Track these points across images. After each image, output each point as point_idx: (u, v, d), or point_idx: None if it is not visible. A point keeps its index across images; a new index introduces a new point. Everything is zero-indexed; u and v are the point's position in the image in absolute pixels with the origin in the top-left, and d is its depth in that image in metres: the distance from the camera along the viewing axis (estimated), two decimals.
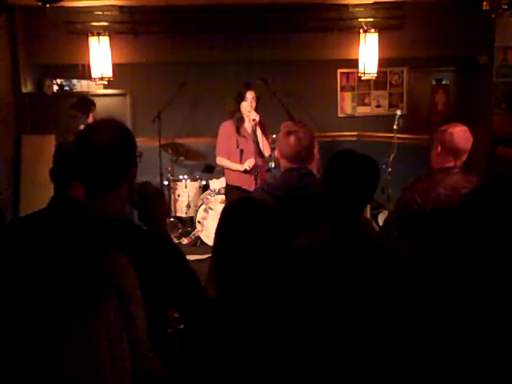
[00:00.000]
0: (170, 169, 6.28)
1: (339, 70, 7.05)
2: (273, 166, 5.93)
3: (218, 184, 6.21)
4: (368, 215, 5.04)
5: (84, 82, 7.09)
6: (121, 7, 6.32)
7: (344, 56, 6.81)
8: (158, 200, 1.89)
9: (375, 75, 6.55)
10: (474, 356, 1.76)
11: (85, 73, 6.34)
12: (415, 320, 1.91)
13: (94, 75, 6.14)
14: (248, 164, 4.67)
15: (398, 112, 5.59)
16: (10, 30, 6.07)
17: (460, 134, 2.93)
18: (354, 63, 6.64)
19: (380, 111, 7.19)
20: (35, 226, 1.93)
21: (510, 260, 1.83)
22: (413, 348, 1.88)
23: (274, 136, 4.77)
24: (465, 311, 1.80)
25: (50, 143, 5.65)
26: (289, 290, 1.71)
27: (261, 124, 4.63)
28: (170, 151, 6.21)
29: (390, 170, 5.43)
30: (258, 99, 4.75)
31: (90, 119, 5.24)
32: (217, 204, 6.07)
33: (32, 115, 6.36)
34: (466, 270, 1.89)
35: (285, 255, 1.71)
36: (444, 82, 7.70)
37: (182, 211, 6.29)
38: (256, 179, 4.55)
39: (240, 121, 4.76)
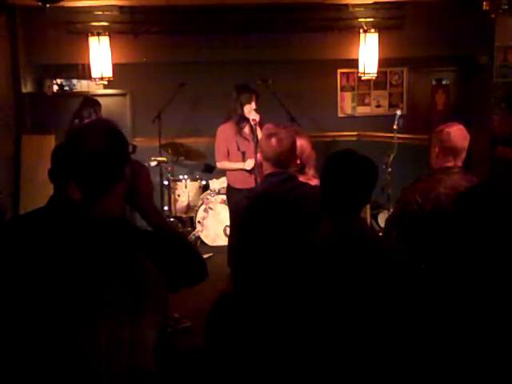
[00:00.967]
0: (169, 169, 6.28)
1: (339, 70, 7.05)
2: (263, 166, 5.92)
3: (218, 184, 6.21)
4: (368, 215, 5.05)
5: (84, 82, 7.09)
6: (121, 7, 6.32)
7: (344, 56, 6.81)
8: (142, 181, 1.85)
9: (375, 75, 6.55)
10: (475, 357, 1.76)
11: (85, 73, 6.35)
12: (412, 320, 1.91)
13: (94, 75, 6.14)
14: (249, 164, 4.67)
15: (398, 112, 5.59)
16: (10, 30, 6.08)
17: (457, 133, 2.95)
18: (354, 63, 6.64)
19: (380, 111, 7.19)
20: (33, 225, 1.93)
21: (505, 260, 1.83)
22: (411, 348, 1.88)
23: None
24: (463, 312, 1.80)
25: (49, 143, 5.65)
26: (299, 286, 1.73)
27: (260, 124, 4.63)
28: (169, 151, 6.20)
29: (389, 170, 5.42)
30: (257, 99, 4.75)
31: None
32: (217, 204, 6.08)
33: (32, 115, 6.36)
34: (463, 271, 1.89)
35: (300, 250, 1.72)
36: (444, 82, 7.70)
37: (181, 211, 6.29)
38: (256, 179, 4.55)
39: (242, 122, 4.74)
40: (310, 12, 6.54)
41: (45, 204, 2.12)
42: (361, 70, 6.54)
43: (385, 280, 1.96)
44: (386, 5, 6.53)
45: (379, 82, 7.08)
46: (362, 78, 6.64)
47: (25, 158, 6.08)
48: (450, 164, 2.94)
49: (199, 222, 6.13)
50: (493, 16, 5.35)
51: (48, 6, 5.02)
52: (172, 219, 6.39)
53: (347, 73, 7.08)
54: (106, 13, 6.34)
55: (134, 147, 1.78)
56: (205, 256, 5.52)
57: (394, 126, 5.30)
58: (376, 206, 6.00)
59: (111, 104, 6.58)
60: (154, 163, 5.74)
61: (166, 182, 6.23)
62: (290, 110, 5.24)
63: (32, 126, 6.30)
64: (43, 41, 6.35)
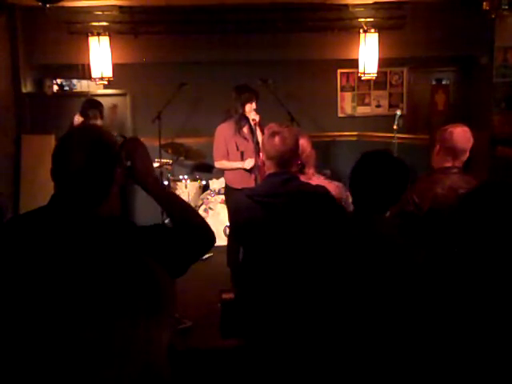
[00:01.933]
0: (169, 169, 6.28)
1: (339, 70, 7.05)
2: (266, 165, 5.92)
3: (217, 184, 6.21)
4: None
5: (84, 82, 7.09)
6: (121, 7, 6.31)
7: (344, 56, 6.81)
8: (138, 151, 1.82)
9: (375, 75, 6.55)
10: (476, 357, 1.76)
11: (85, 73, 6.34)
12: (419, 318, 1.91)
13: (94, 75, 6.14)
14: (249, 164, 4.66)
15: (398, 112, 5.59)
16: (10, 29, 6.08)
17: (460, 134, 2.94)
18: (354, 63, 6.64)
19: (380, 111, 7.19)
20: (37, 223, 1.93)
21: (508, 260, 1.83)
22: (419, 346, 1.89)
23: None
24: (466, 311, 1.81)
25: (49, 143, 5.66)
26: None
27: (260, 124, 4.63)
28: (169, 151, 6.20)
29: None
30: (257, 99, 4.74)
31: (100, 121, 5.25)
32: (217, 204, 6.07)
33: (32, 115, 6.36)
34: (464, 271, 1.89)
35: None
36: (444, 82, 7.70)
37: None
38: (256, 179, 4.55)
39: (242, 121, 4.73)
40: (310, 12, 6.53)
41: (46, 203, 2.12)
42: (361, 70, 6.54)
43: (402, 277, 1.97)
44: (386, 5, 6.52)
45: (379, 82, 7.08)
46: (362, 78, 6.64)
47: (25, 158, 6.08)
48: (449, 164, 2.94)
49: None
50: (493, 16, 5.34)
51: (48, 6, 5.02)
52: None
53: (347, 73, 7.08)
54: (105, 13, 6.34)
55: (124, 138, 1.77)
56: (205, 256, 5.53)
57: (394, 126, 5.30)
58: None
59: (111, 104, 6.58)
60: (155, 165, 5.73)
61: (166, 182, 6.23)
62: (290, 110, 5.24)
63: (32, 126, 6.30)
64: (43, 41, 6.35)
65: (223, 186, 5.49)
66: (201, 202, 6.18)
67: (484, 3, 5.23)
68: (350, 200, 3.36)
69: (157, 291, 1.35)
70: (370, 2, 6.39)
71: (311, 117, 6.57)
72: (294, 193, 2.60)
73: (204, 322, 4.09)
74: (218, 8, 6.32)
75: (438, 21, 6.53)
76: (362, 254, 1.99)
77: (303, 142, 3.09)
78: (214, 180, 6.32)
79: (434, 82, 7.72)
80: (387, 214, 2.22)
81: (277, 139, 2.64)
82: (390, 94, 7.23)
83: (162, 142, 5.94)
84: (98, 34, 6.07)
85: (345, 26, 6.63)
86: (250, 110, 4.64)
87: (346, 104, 7.18)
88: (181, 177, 6.37)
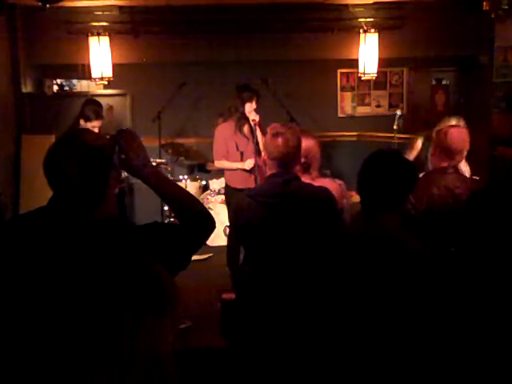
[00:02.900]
0: (169, 169, 6.28)
1: (339, 70, 7.05)
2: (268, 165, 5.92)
3: (217, 184, 6.21)
4: None
5: (84, 82, 7.09)
6: (121, 7, 6.31)
7: (344, 56, 6.81)
8: (129, 144, 1.80)
9: (375, 75, 6.55)
10: (480, 358, 1.76)
11: (85, 73, 6.34)
12: (430, 316, 1.91)
13: (93, 75, 6.13)
14: (248, 164, 4.66)
15: (398, 112, 5.59)
16: (10, 30, 6.07)
17: (455, 135, 2.95)
18: (353, 63, 6.64)
19: (380, 111, 7.19)
20: (36, 224, 1.93)
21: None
22: (427, 345, 1.89)
23: None
24: (473, 309, 1.81)
25: (49, 143, 5.60)
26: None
27: (259, 124, 4.63)
28: (169, 151, 6.20)
29: None
30: (258, 99, 4.74)
31: (99, 122, 5.24)
32: (217, 204, 6.07)
33: (32, 115, 6.37)
34: (470, 271, 1.89)
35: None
36: (444, 82, 7.70)
37: None
38: (256, 179, 4.55)
39: (242, 120, 4.73)
40: (310, 12, 6.53)
41: (46, 204, 2.12)
42: (361, 70, 6.53)
43: (406, 275, 1.97)
44: (386, 5, 6.52)
45: (379, 82, 7.08)
46: (362, 78, 6.64)
47: (25, 158, 6.08)
48: (445, 164, 2.95)
49: None
50: (493, 16, 5.34)
51: (48, 6, 5.02)
52: (172, 219, 6.39)
53: (347, 73, 7.07)
54: (105, 13, 6.33)
55: (122, 131, 1.75)
56: (204, 256, 5.53)
57: (394, 126, 5.30)
58: None
59: (111, 104, 6.58)
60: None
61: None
62: (289, 110, 5.23)
63: (32, 126, 6.30)
64: (43, 41, 6.35)
65: (223, 186, 5.49)
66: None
67: (484, 3, 5.23)
68: (352, 199, 3.37)
69: (159, 290, 1.35)
70: (370, 2, 6.39)
71: (311, 117, 6.56)
72: (294, 193, 2.60)
73: (203, 322, 4.09)
74: (218, 8, 6.32)
75: (437, 21, 6.52)
76: (370, 253, 1.99)
77: (310, 143, 3.08)
78: (214, 180, 6.32)
79: (434, 82, 7.72)
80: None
81: (279, 140, 2.63)
82: (390, 94, 7.23)
83: (162, 142, 5.94)
84: (98, 34, 6.07)
85: (345, 26, 6.63)
86: (251, 109, 4.64)
87: (346, 104, 7.17)
88: (181, 177, 6.37)
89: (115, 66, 6.21)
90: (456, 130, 3.00)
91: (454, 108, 7.34)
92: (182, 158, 6.35)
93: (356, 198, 2.23)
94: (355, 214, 2.15)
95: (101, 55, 6.07)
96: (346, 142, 6.78)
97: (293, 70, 6.70)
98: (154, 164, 5.68)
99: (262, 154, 4.76)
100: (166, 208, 6.22)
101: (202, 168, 6.62)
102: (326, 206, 2.62)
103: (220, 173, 5.82)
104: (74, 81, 7.41)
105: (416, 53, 6.80)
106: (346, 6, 6.53)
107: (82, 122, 5.25)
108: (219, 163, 4.89)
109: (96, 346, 1.24)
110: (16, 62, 6.19)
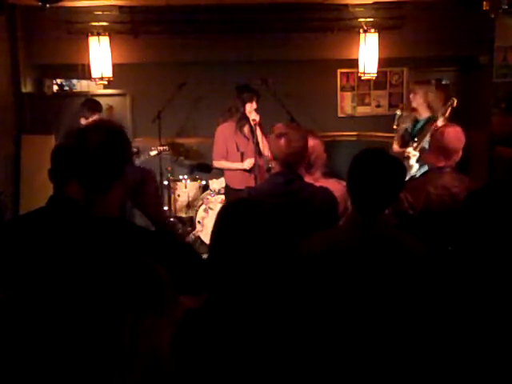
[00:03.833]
0: (169, 169, 6.28)
1: (339, 70, 7.05)
2: (272, 165, 5.93)
3: (217, 184, 6.21)
4: None
5: (84, 82, 7.09)
6: (121, 7, 6.31)
7: (344, 56, 6.81)
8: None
9: (375, 75, 6.54)
10: (479, 360, 1.76)
11: (85, 73, 6.34)
12: (429, 316, 1.91)
13: (93, 75, 6.13)
14: (248, 164, 4.66)
15: (398, 112, 5.58)
16: (10, 30, 6.07)
17: (450, 135, 2.98)
18: (353, 63, 6.64)
19: (380, 111, 7.18)
20: (34, 225, 1.93)
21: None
22: (427, 353, 1.89)
23: None
24: (471, 308, 1.81)
25: (49, 143, 5.65)
26: (299, 291, 1.72)
27: (259, 124, 4.63)
28: (169, 151, 6.20)
29: None
30: (258, 99, 4.75)
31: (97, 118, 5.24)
32: (217, 204, 6.07)
33: (32, 115, 6.36)
34: (468, 270, 1.89)
35: (292, 255, 1.71)
36: (444, 82, 7.69)
37: (181, 211, 6.29)
38: (256, 179, 4.55)
39: (243, 120, 4.73)
40: (310, 12, 6.53)
41: (45, 204, 2.12)
42: (361, 69, 6.53)
43: (406, 275, 1.97)
44: (386, 5, 6.52)
45: (379, 82, 7.07)
46: (362, 78, 6.64)
47: (25, 158, 6.07)
48: (442, 164, 2.98)
49: (199, 221, 6.13)
50: (493, 16, 5.34)
51: (48, 5, 5.02)
52: (172, 219, 6.39)
53: (347, 73, 7.07)
54: (105, 13, 6.33)
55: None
56: (204, 256, 5.52)
57: (394, 126, 5.29)
58: None
59: (111, 104, 6.58)
60: (154, 152, 5.69)
61: (165, 182, 6.24)
62: (289, 110, 5.24)
63: (32, 126, 6.30)
64: (43, 41, 6.34)
65: (223, 185, 5.49)
66: (201, 202, 6.18)
67: (484, 3, 5.23)
68: None
69: (159, 289, 1.35)
70: (370, 1, 6.39)
71: (311, 117, 6.56)
72: (294, 194, 2.60)
73: None
74: (218, 8, 6.32)
75: (437, 21, 6.52)
76: (366, 254, 1.99)
77: (315, 143, 3.09)
78: (214, 180, 6.32)
79: (433, 82, 7.71)
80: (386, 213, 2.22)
81: (282, 141, 2.64)
82: (390, 94, 7.23)
83: (162, 142, 5.94)
84: (98, 34, 6.07)
85: (345, 26, 6.63)
86: (251, 109, 4.65)
87: (346, 104, 7.17)
88: (181, 177, 6.37)
89: (115, 66, 6.21)
90: (452, 129, 3.03)
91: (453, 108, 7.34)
92: (181, 157, 6.36)
93: None
94: (348, 216, 2.14)
95: (101, 55, 6.07)
96: (346, 142, 6.78)
97: (293, 69, 6.70)
98: (156, 152, 5.67)
99: (265, 154, 4.78)
100: (165, 208, 6.23)
101: (202, 168, 6.61)
102: (326, 207, 2.62)
103: (220, 173, 5.82)
104: (74, 81, 7.41)
105: (416, 53, 6.79)
106: (346, 5, 6.53)
107: (82, 120, 5.27)
108: (218, 163, 4.90)
109: (96, 344, 1.24)
110: (16, 62, 6.19)
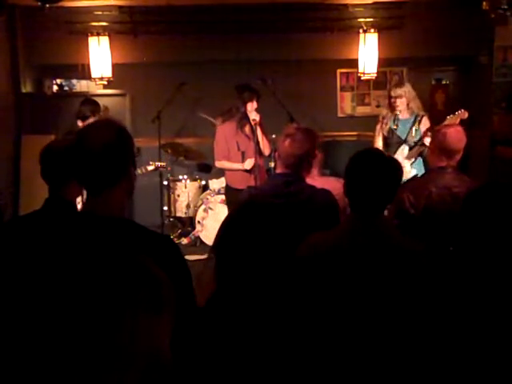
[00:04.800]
0: (169, 169, 6.28)
1: (339, 70, 7.05)
2: (272, 165, 5.93)
3: (217, 184, 6.21)
4: None
5: (84, 82, 7.09)
6: (120, 7, 6.31)
7: (344, 56, 6.81)
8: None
9: (375, 75, 6.54)
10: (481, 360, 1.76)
11: (84, 73, 6.34)
12: (426, 318, 1.91)
13: (93, 75, 6.13)
14: (248, 164, 4.66)
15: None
16: (9, 30, 6.08)
17: (452, 135, 2.99)
18: (353, 63, 6.64)
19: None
20: (31, 228, 1.93)
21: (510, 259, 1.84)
22: (428, 355, 1.89)
23: (274, 136, 4.77)
24: (469, 312, 1.81)
25: None
26: (300, 292, 1.72)
27: (260, 124, 4.63)
28: (169, 151, 6.21)
29: None
30: (258, 98, 4.74)
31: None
32: (216, 204, 6.07)
33: (32, 115, 6.36)
34: (469, 270, 1.89)
35: (293, 255, 1.71)
36: (444, 82, 7.70)
37: (181, 211, 6.29)
38: (256, 179, 4.55)
39: (243, 119, 4.73)
40: (310, 12, 6.53)
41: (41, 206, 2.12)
42: (360, 69, 6.53)
43: (406, 275, 1.97)
44: (386, 5, 6.52)
45: (379, 82, 7.07)
46: (362, 78, 6.63)
47: (25, 158, 6.08)
48: (443, 164, 2.99)
49: (199, 222, 6.13)
50: (493, 16, 5.34)
51: (47, 6, 5.01)
52: (172, 219, 6.40)
53: (347, 73, 7.07)
54: (105, 13, 6.33)
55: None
56: (204, 256, 5.51)
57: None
58: None
59: (111, 104, 6.58)
60: (151, 167, 5.70)
61: (165, 182, 6.24)
62: (289, 110, 5.24)
63: (32, 127, 6.30)
64: (43, 41, 6.35)
65: (223, 185, 5.49)
66: (200, 202, 6.18)
67: (484, 3, 5.23)
68: None
69: (157, 289, 1.34)
70: (370, 1, 6.39)
71: (311, 117, 6.55)
72: (294, 195, 2.60)
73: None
74: (218, 8, 6.32)
75: (437, 21, 6.52)
76: (365, 254, 1.99)
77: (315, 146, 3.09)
78: (214, 180, 6.32)
79: (433, 82, 7.72)
80: (385, 213, 2.22)
81: (287, 141, 2.64)
82: None
83: (162, 142, 5.94)
84: (98, 34, 6.07)
85: (344, 26, 6.63)
86: (252, 108, 4.65)
87: (346, 104, 7.17)
88: (180, 177, 6.38)
89: (115, 66, 6.21)
90: (454, 129, 3.04)
91: (453, 108, 7.34)
92: (181, 158, 6.36)
93: None
94: (347, 216, 2.15)
95: (100, 55, 6.07)
96: (346, 142, 6.78)
97: (293, 69, 6.70)
98: (153, 167, 5.66)
99: (265, 153, 4.79)
100: (165, 208, 6.23)
101: (202, 168, 6.62)
102: (326, 209, 2.61)
103: (220, 172, 5.82)
104: (74, 81, 7.41)
105: (416, 53, 6.79)
106: (346, 5, 6.53)
107: (79, 122, 5.23)
108: (220, 163, 4.90)
109: (94, 345, 1.24)
110: (16, 62, 6.19)
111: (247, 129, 4.76)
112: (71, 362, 1.27)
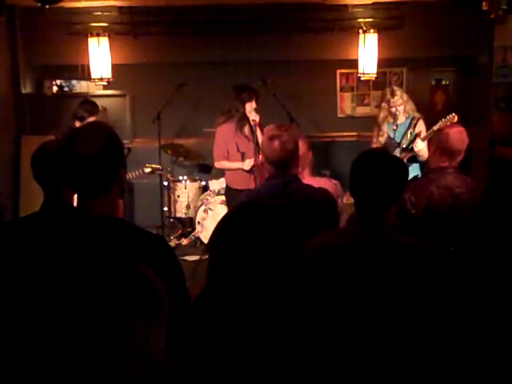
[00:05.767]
0: (169, 169, 6.28)
1: (338, 71, 7.05)
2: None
3: (217, 185, 6.21)
4: None
5: (83, 83, 7.09)
6: (120, 8, 6.31)
7: (343, 56, 6.80)
8: None
9: (375, 75, 6.54)
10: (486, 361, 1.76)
11: (84, 74, 6.34)
12: (433, 317, 1.91)
13: (93, 76, 6.13)
14: (248, 164, 4.66)
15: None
16: (9, 30, 6.08)
17: (455, 136, 2.99)
18: (353, 63, 6.63)
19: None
20: (29, 232, 1.93)
21: None
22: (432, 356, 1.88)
23: None
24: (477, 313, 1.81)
25: None
26: (305, 292, 1.71)
27: (260, 125, 4.63)
28: (169, 152, 6.20)
29: None
30: (257, 98, 4.74)
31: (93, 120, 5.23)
32: (216, 205, 6.07)
33: (31, 116, 6.37)
34: (470, 270, 1.89)
35: (296, 256, 1.71)
36: (444, 82, 7.69)
37: (181, 212, 6.28)
38: (256, 179, 4.55)
39: (243, 120, 4.73)
40: (310, 12, 6.53)
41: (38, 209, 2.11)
42: (360, 70, 6.52)
43: (409, 275, 1.97)
44: (385, 5, 6.51)
45: (379, 83, 7.06)
46: (362, 79, 6.63)
47: (25, 158, 6.07)
48: (445, 164, 2.99)
49: (199, 222, 6.12)
50: (492, 16, 5.34)
51: (47, 6, 5.02)
52: (172, 220, 6.40)
53: (347, 73, 7.07)
54: (105, 13, 6.33)
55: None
56: (204, 257, 5.51)
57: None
58: None
59: (110, 105, 6.58)
60: (148, 170, 5.70)
61: (165, 183, 6.24)
62: (289, 111, 5.23)
63: (32, 127, 6.31)
64: (43, 41, 6.34)
65: (223, 186, 5.49)
66: (200, 203, 6.18)
67: (483, 3, 5.23)
68: (345, 198, 3.36)
69: (150, 294, 1.34)
70: (370, 2, 6.38)
71: (311, 117, 6.56)
72: (293, 195, 2.59)
73: None
74: (218, 8, 6.32)
75: (437, 21, 6.52)
76: (369, 254, 1.99)
77: (299, 143, 3.08)
78: (214, 180, 6.32)
79: (433, 82, 7.71)
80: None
81: (276, 143, 2.59)
82: None
83: (162, 142, 5.94)
84: (98, 35, 6.06)
85: (344, 27, 6.63)
86: (251, 108, 4.65)
87: (346, 104, 7.17)
88: (180, 177, 6.37)
89: (115, 67, 6.21)
90: (456, 130, 3.03)
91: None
92: (181, 158, 6.36)
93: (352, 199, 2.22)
94: (351, 216, 2.14)
95: (100, 56, 6.06)
96: (346, 142, 6.78)
97: (292, 70, 6.69)
98: (149, 170, 5.65)
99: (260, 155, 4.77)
100: (165, 209, 6.23)
101: (202, 168, 6.62)
102: (324, 207, 2.61)
103: (220, 173, 5.82)
104: (74, 81, 7.41)
105: (416, 53, 6.79)
106: (346, 6, 6.53)
107: (77, 123, 5.23)
108: (219, 164, 4.90)
109: (90, 348, 1.24)
110: (15, 63, 6.19)
111: (247, 129, 4.75)
112: (70, 363, 1.27)
